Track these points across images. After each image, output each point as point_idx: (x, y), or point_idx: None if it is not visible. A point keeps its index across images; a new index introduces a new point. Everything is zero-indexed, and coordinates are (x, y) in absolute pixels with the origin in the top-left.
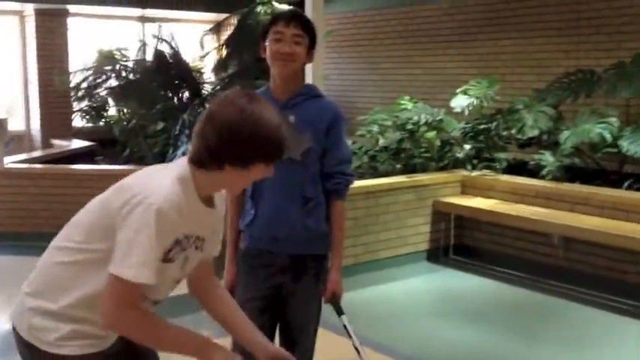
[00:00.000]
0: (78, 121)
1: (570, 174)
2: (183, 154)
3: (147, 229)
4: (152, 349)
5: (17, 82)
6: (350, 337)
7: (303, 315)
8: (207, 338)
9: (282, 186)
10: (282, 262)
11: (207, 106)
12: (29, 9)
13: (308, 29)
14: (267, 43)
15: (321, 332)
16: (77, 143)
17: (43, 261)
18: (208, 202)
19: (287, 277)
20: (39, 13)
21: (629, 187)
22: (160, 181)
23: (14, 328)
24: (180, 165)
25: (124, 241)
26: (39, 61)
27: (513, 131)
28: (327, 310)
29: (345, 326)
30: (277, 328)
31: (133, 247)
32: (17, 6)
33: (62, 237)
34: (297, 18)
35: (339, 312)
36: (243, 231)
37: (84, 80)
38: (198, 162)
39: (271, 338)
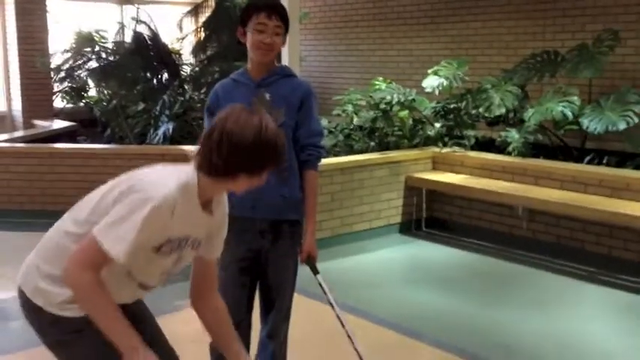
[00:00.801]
0: (59, 102)
1: (535, 150)
2: (164, 134)
3: (139, 215)
4: (149, 312)
5: None
6: (325, 293)
7: (280, 275)
8: (140, 345)
9: None
10: (260, 227)
11: (184, 87)
12: None
13: (285, 19)
14: (248, 31)
15: (302, 300)
16: (58, 124)
17: (55, 229)
18: (206, 206)
19: (265, 241)
20: None
21: (589, 162)
22: (166, 182)
23: (21, 290)
24: (189, 170)
25: (116, 214)
26: (19, 43)
27: (481, 110)
28: (308, 278)
29: (320, 284)
30: (257, 287)
31: (122, 223)
32: None
33: (74, 211)
34: (277, 11)
35: (315, 271)
36: None
37: (65, 62)
38: (210, 172)
39: (252, 297)
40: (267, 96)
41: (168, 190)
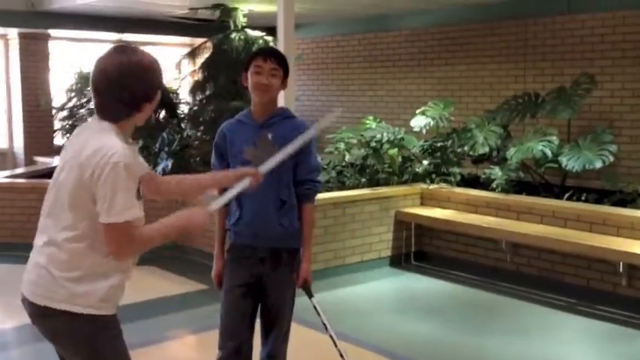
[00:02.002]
0: (59, 139)
1: (518, 187)
2: (163, 170)
3: (120, 180)
4: None
5: (0, 102)
6: (319, 315)
7: (279, 299)
8: (179, 213)
9: (262, 191)
10: (261, 255)
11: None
12: (13, 33)
13: (282, 63)
14: (248, 74)
15: (298, 327)
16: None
17: (46, 247)
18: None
19: (266, 267)
20: (22, 37)
21: (569, 199)
22: (109, 143)
23: (45, 307)
24: (105, 126)
25: (104, 196)
26: (22, 82)
27: (467, 148)
28: (303, 307)
29: (314, 307)
30: (258, 311)
31: (113, 198)
32: (1, 30)
33: (51, 223)
34: (273, 54)
35: (310, 295)
36: (229, 230)
37: (68, 101)
38: (119, 116)
39: (253, 319)
40: (270, 136)
41: (116, 145)
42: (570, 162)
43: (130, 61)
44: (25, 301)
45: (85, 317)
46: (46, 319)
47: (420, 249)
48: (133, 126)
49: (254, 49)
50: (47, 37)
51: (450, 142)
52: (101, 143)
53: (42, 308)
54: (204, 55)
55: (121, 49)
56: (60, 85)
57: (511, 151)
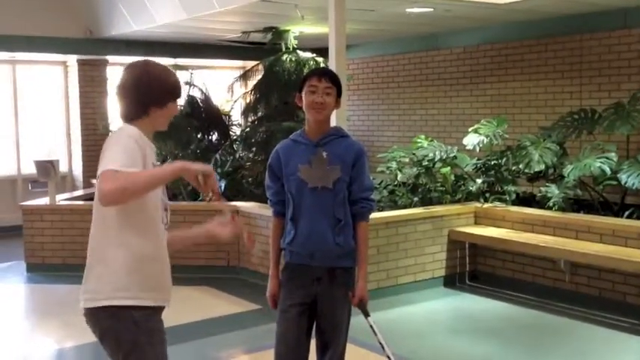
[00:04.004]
0: None
1: (577, 205)
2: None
3: (119, 142)
4: None
5: (60, 126)
6: (375, 334)
7: (335, 318)
8: (173, 163)
9: (317, 210)
10: (317, 274)
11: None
12: (72, 60)
13: (336, 82)
14: (303, 94)
15: (352, 348)
16: None
17: (106, 247)
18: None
19: (322, 286)
20: (81, 63)
21: (629, 217)
22: (123, 127)
23: (93, 308)
24: (123, 125)
25: (105, 157)
26: (81, 107)
27: (521, 166)
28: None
29: (371, 326)
30: (314, 330)
31: (111, 155)
32: (61, 57)
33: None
34: (327, 74)
35: (366, 314)
36: (283, 249)
37: None
38: (131, 117)
39: (309, 338)
40: (325, 154)
41: (129, 128)
42: (630, 179)
43: (141, 70)
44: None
45: (132, 310)
46: None
47: (474, 269)
48: (148, 129)
49: (305, 70)
50: (105, 63)
51: (504, 159)
52: (117, 130)
53: None
54: (256, 78)
55: (136, 62)
56: (116, 110)
57: (568, 169)
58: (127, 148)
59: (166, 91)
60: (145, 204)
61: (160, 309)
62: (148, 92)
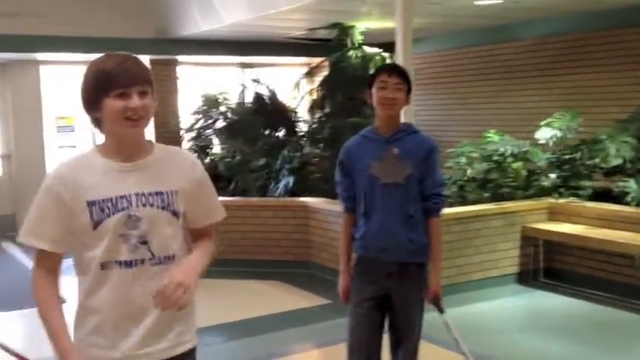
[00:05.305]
0: None
1: None
2: (285, 186)
3: (35, 199)
4: None
5: None
6: (450, 331)
7: (408, 314)
8: (71, 347)
9: (389, 205)
10: (389, 269)
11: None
12: (145, 60)
13: (406, 78)
14: (373, 91)
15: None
16: None
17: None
18: (130, 158)
19: (393, 282)
20: (153, 63)
21: None
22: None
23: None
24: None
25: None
26: None
27: (597, 160)
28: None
29: (445, 322)
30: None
31: (27, 215)
32: None
33: None
34: (397, 69)
35: (441, 311)
36: (354, 240)
37: (196, 122)
38: (93, 122)
39: (381, 334)
40: (396, 150)
41: (59, 165)
42: None
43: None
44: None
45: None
46: None
47: (549, 266)
48: (113, 141)
49: (371, 66)
50: (175, 62)
51: (579, 154)
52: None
53: None
54: (322, 74)
55: None
56: (186, 108)
57: None
58: (40, 204)
59: (91, 89)
60: None
61: None
62: (81, 99)
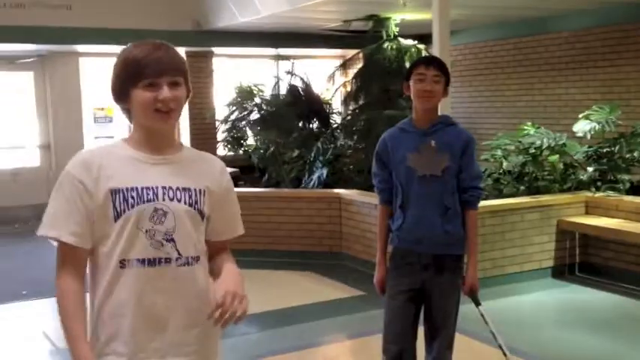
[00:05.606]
0: (220, 150)
1: None
2: (319, 178)
3: (55, 189)
4: None
5: None
6: (487, 324)
7: (444, 306)
8: (89, 354)
9: (426, 197)
10: (425, 261)
11: (335, 135)
12: (181, 52)
13: (444, 70)
14: (410, 83)
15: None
16: None
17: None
18: (159, 150)
19: (429, 274)
20: (189, 55)
21: None
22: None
23: None
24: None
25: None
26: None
27: (636, 154)
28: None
29: (482, 315)
30: (422, 317)
31: (47, 207)
32: None
33: None
34: (435, 61)
35: (477, 303)
36: (391, 232)
37: (231, 114)
38: (124, 113)
39: (416, 325)
40: (433, 143)
41: (82, 151)
42: None
43: None
44: None
45: None
46: None
47: (585, 260)
48: (142, 131)
49: (407, 58)
50: (211, 54)
51: (617, 147)
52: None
53: None
54: (357, 66)
55: None
56: (222, 99)
57: None
58: (60, 191)
59: (120, 79)
60: None
61: None
62: (111, 89)
